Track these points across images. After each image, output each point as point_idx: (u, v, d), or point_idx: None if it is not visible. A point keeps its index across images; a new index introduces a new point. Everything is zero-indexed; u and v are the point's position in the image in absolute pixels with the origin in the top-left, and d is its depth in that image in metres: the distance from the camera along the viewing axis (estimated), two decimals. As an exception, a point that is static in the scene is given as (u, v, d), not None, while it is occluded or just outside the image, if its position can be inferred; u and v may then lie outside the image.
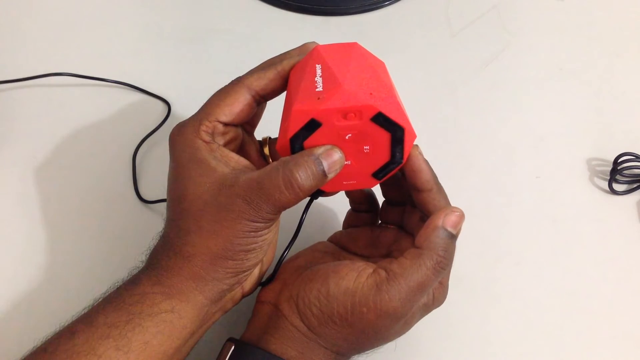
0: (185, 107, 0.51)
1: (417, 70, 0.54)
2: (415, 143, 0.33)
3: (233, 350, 0.33)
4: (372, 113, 0.30)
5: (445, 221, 0.32)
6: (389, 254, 0.37)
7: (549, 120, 0.51)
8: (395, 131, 0.31)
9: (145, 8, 0.58)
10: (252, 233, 0.31)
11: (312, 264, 0.35)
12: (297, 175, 0.30)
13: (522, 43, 0.56)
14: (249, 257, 0.32)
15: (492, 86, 0.53)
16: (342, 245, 0.38)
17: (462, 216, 0.32)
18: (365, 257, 0.37)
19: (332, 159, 0.31)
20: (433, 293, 0.34)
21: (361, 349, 0.34)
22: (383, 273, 0.31)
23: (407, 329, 0.34)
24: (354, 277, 0.32)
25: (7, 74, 0.51)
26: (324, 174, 0.31)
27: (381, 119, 0.30)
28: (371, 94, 0.30)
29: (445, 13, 0.58)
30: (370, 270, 0.32)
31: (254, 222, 0.31)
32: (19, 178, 0.46)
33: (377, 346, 0.34)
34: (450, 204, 0.34)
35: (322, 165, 0.31)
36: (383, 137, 0.31)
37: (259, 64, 0.36)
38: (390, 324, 0.31)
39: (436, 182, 0.34)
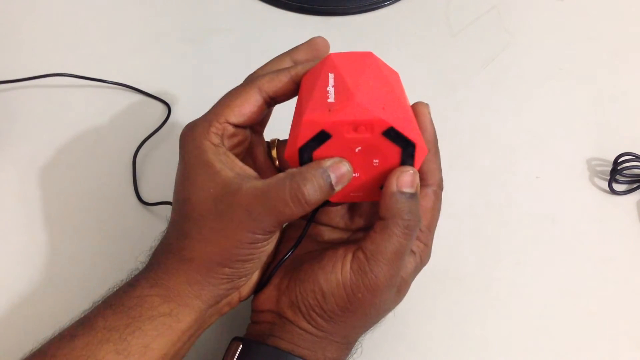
0: (186, 109, 0.51)
1: (417, 70, 0.54)
2: (425, 102, 0.33)
3: (242, 349, 0.33)
4: (384, 127, 0.30)
5: (399, 184, 0.31)
6: (368, 225, 0.37)
7: (549, 120, 0.51)
8: (406, 146, 0.30)
9: (145, 8, 0.58)
10: (252, 245, 0.31)
11: (296, 259, 0.35)
12: (305, 189, 0.30)
13: (522, 43, 0.56)
14: (245, 266, 0.32)
15: (492, 86, 0.53)
16: (317, 221, 0.38)
17: (414, 174, 0.31)
18: (343, 230, 0.37)
19: (340, 171, 0.31)
20: (420, 256, 0.34)
21: (367, 328, 0.35)
22: (361, 255, 0.32)
23: (403, 296, 0.35)
24: (340, 268, 0.32)
25: (7, 74, 0.51)
26: (332, 187, 0.31)
27: (393, 134, 0.30)
28: (384, 107, 0.30)
29: (445, 13, 0.58)
30: (350, 255, 0.32)
31: (254, 233, 0.31)
32: (18, 179, 0.46)
33: (380, 319, 0.35)
34: (441, 170, 0.35)
35: (330, 178, 0.30)
36: (393, 151, 0.31)
37: (264, 62, 0.36)
38: (386, 296, 0.32)
39: (435, 145, 0.34)
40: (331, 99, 0.30)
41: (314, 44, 0.36)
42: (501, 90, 0.53)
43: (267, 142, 0.38)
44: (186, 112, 0.50)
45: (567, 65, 0.55)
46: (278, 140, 0.38)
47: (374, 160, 0.31)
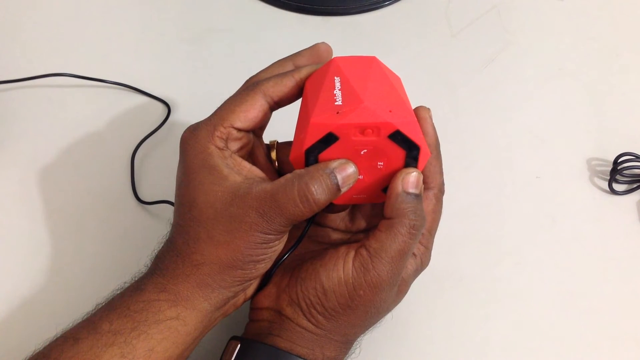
0: (185, 109, 0.51)
1: (417, 70, 0.54)
2: (427, 107, 0.34)
3: (240, 348, 0.33)
4: (390, 130, 0.30)
5: (405, 185, 0.31)
6: (368, 228, 0.37)
7: (549, 120, 0.51)
8: (411, 149, 0.31)
9: (145, 8, 0.58)
10: (264, 244, 0.31)
11: (297, 258, 0.35)
12: (313, 189, 0.30)
13: (522, 43, 0.56)
14: (257, 267, 0.32)
15: (492, 86, 0.53)
16: (317, 222, 0.38)
17: (419, 175, 0.32)
18: (343, 232, 0.37)
19: (346, 172, 0.31)
20: (421, 258, 0.35)
21: (366, 328, 0.35)
22: (365, 252, 0.32)
23: (403, 296, 0.35)
24: (342, 265, 0.32)
25: (7, 74, 0.51)
26: (338, 188, 0.31)
27: (399, 137, 0.30)
28: (390, 111, 0.30)
29: (445, 13, 0.58)
30: (353, 252, 0.32)
31: (266, 234, 0.31)
32: (17, 178, 0.46)
33: (380, 320, 0.35)
34: (442, 174, 0.35)
35: (336, 178, 0.31)
36: (398, 154, 0.31)
37: (264, 62, 0.36)
38: (386, 295, 0.33)
39: (437, 148, 0.35)
40: (339, 102, 0.30)
41: (317, 50, 0.36)
42: (501, 90, 0.53)
43: (267, 144, 0.38)
44: (186, 112, 0.50)
45: (567, 65, 0.55)
46: (277, 142, 0.38)
47: (379, 163, 0.32)
